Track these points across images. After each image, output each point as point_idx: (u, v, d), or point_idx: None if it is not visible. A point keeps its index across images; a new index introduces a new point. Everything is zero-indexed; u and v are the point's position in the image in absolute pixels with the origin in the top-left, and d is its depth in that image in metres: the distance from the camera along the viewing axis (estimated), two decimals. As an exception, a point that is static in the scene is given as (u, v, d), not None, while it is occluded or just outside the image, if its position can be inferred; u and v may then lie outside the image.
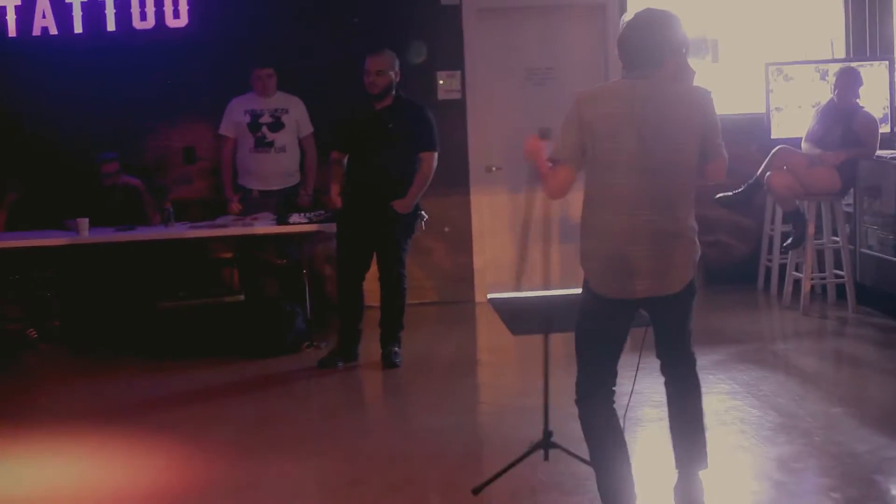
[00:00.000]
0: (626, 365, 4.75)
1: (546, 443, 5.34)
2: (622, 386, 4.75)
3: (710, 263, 10.38)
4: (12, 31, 9.71)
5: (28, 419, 6.92)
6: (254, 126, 9.15)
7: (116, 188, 9.36)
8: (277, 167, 9.25)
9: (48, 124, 9.85)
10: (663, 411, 5.85)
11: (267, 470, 5.67)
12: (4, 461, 6.09)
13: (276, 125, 9.17)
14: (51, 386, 7.94)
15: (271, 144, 9.17)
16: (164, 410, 7.05)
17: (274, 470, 5.66)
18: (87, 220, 8.48)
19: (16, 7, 9.67)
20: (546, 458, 5.33)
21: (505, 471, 5.22)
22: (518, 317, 5.57)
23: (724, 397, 6.71)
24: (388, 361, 7.55)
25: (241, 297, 8.81)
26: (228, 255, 9.37)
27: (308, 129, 9.29)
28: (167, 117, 10.11)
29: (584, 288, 5.06)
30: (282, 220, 8.36)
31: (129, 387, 7.73)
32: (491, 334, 9.24)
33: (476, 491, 5.10)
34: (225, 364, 8.07)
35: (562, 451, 5.31)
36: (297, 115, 9.25)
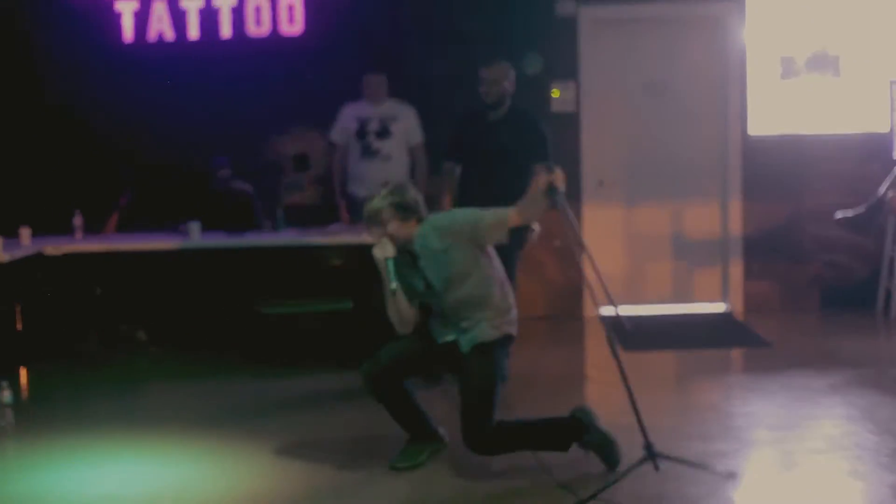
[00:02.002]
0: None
1: (651, 454, 5.32)
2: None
3: (827, 285, 10.16)
4: (129, 36, 9.85)
5: (136, 420, 6.96)
6: (361, 133, 9.14)
7: (228, 193, 9.41)
8: (384, 175, 9.18)
9: (162, 129, 9.96)
10: (779, 434, 5.73)
11: (371, 478, 5.63)
12: (112, 462, 6.11)
13: (384, 133, 9.14)
14: (159, 388, 8.00)
15: (377, 152, 9.14)
16: (269, 415, 7.05)
17: (378, 478, 5.61)
18: (198, 224, 8.52)
19: (133, 13, 9.80)
20: (657, 468, 5.31)
21: (607, 486, 5.14)
22: (629, 333, 5.46)
23: (840, 422, 6.52)
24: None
25: (350, 306, 8.79)
26: (338, 262, 9.36)
27: (418, 137, 9.24)
28: (280, 124, 10.17)
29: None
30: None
31: (236, 391, 7.77)
32: (600, 350, 9.12)
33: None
34: (332, 372, 8.06)
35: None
36: (406, 124, 9.20)
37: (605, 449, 5.63)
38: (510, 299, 5.81)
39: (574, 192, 10.22)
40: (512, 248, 7.63)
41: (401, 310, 5.65)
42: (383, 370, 5.67)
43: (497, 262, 5.80)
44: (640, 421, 5.41)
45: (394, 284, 5.56)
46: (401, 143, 9.18)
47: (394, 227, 5.61)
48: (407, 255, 5.67)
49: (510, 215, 5.64)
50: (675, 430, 5.79)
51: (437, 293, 5.65)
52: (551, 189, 5.58)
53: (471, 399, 5.48)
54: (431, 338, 5.78)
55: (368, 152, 9.13)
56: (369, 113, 9.15)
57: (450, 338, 5.72)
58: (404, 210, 5.64)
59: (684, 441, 5.99)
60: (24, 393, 7.83)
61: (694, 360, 8.56)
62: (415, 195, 5.75)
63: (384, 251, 5.58)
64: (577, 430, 5.64)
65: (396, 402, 5.74)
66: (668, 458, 5.40)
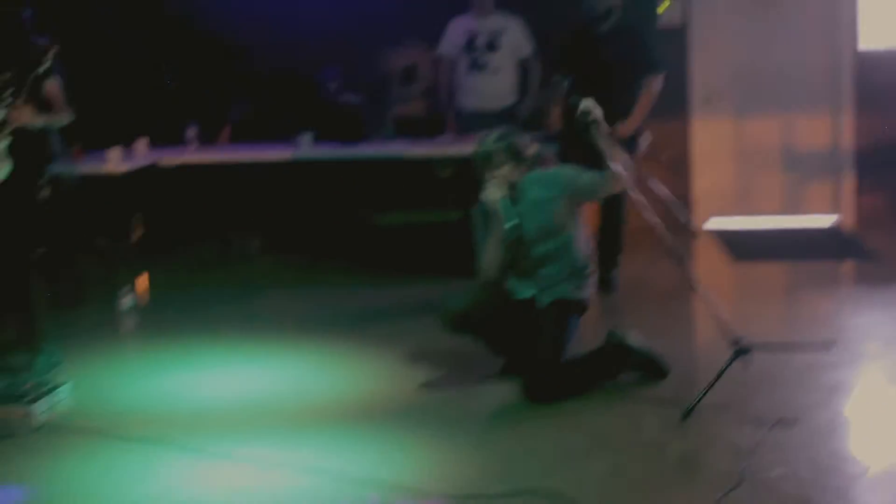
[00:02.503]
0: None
1: (741, 350, 5.29)
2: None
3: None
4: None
5: (253, 326, 7.16)
6: (470, 46, 9.16)
7: (338, 105, 9.51)
8: (491, 89, 9.24)
9: (273, 41, 10.05)
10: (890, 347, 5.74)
11: (477, 388, 5.74)
12: (230, 365, 6.31)
13: (492, 46, 9.14)
14: (273, 296, 8.19)
15: (486, 65, 9.16)
16: (383, 322, 7.22)
17: (485, 387, 5.72)
18: (310, 135, 8.63)
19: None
20: (748, 360, 5.31)
21: (709, 388, 5.17)
22: (737, 244, 5.45)
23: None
24: (606, 285, 7.53)
25: (457, 216, 8.87)
26: (446, 174, 9.43)
27: (528, 49, 9.24)
28: (390, 36, 10.22)
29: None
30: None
31: (347, 299, 7.94)
32: (709, 261, 9.15)
33: (685, 416, 5.05)
34: (438, 281, 8.18)
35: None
36: (514, 36, 9.20)
37: (651, 364, 5.68)
38: (591, 263, 5.84)
39: (682, 107, 10.20)
40: (623, 157, 7.67)
41: (497, 253, 5.69)
42: (459, 318, 5.71)
43: (585, 227, 5.81)
44: (722, 322, 5.40)
45: (515, 220, 5.59)
46: (509, 55, 9.18)
47: (506, 170, 5.65)
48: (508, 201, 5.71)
49: (609, 178, 5.63)
50: (783, 340, 5.80)
51: (528, 243, 5.68)
52: (584, 116, 5.58)
53: (545, 352, 5.50)
54: (507, 294, 5.81)
55: (477, 66, 9.15)
56: (477, 26, 9.16)
57: (527, 293, 5.78)
58: (516, 154, 5.69)
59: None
60: (145, 299, 8.06)
61: (804, 272, 8.55)
62: (527, 140, 5.79)
63: (495, 192, 5.62)
64: (620, 355, 5.68)
65: (478, 335, 5.81)
66: (757, 348, 5.34)
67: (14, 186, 5.82)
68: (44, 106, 5.88)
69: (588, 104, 5.71)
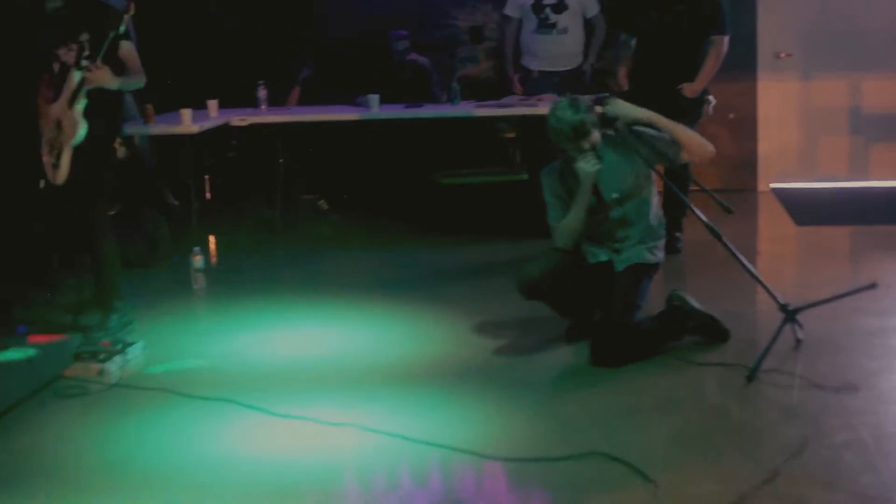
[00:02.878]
0: None
1: (789, 315, 5.38)
2: None
3: None
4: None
5: (321, 285, 7.26)
6: (537, 7, 9.16)
7: (406, 66, 9.55)
8: (560, 49, 9.25)
9: (342, 3, 10.12)
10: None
11: (543, 349, 5.79)
12: (298, 325, 6.40)
13: (560, 6, 9.14)
14: (341, 255, 8.27)
15: (554, 26, 9.16)
16: (447, 283, 7.30)
17: (550, 349, 5.78)
18: (377, 96, 8.69)
19: None
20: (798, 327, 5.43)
21: (765, 353, 5.18)
22: (803, 207, 5.43)
23: None
24: (671, 247, 7.51)
25: (525, 177, 8.92)
26: (512, 134, 9.48)
27: (595, 8, 9.23)
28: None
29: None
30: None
31: (414, 259, 8.02)
32: (773, 224, 9.12)
33: (750, 377, 5.08)
34: (505, 242, 8.23)
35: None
36: None
37: (710, 327, 5.70)
38: (663, 227, 5.85)
39: (750, 64, 10.14)
40: (689, 118, 7.65)
41: (581, 223, 5.67)
42: (535, 283, 5.70)
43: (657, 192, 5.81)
44: (766, 287, 5.45)
45: (615, 195, 5.63)
46: (577, 15, 9.18)
47: (595, 136, 5.62)
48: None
49: (682, 137, 5.68)
50: (846, 304, 5.80)
51: (605, 206, 5.68)
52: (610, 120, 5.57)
53: (618, 315, 5.53)
54: (582, 258, 5.82)
55: (545, 25, 9.16)
56: None
57: (603, 257, 5.79)
58: (600, 119, 5.67)
59: (858, 316, 6.01)
60: (214, 259, 8.18)
61: (868, 236, 8.50)
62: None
63: (592, 164, 5.58)
64: (681, 318, 5.69)
65: (551, 300, 5.84)
66: (804, 308, 5.46)
67: (91, 147, 5.92)
68: (119, 68, 5.97)
69: (615, 108, 5.66)
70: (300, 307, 6.75)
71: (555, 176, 5.78)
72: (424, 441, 4.52)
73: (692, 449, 4.42)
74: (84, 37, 5.80)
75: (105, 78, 5.82)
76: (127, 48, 6.02)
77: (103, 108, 5.96)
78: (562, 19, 9.15)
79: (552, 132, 5.60)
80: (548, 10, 9.13)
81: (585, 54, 9.34)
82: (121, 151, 6.17)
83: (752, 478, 4.06)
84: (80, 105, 5.83)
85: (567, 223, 5.70)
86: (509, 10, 9.37)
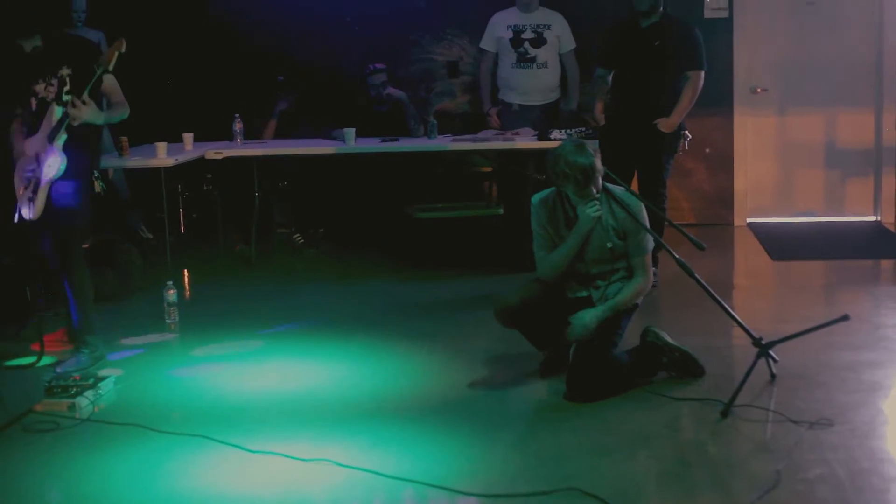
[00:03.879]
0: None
1: (763, 349, 5.44)
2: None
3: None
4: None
5: (294, 319, 7.21)
6: (516, 41, 9.19)
7: (382, 100, 9.56)
8: (539, 83, 9.28)
9: (316, 37, 10.15)
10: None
11: (521, 383, 5.78)
12: (270, 359, 6.36)
13: (538, 41, 9.18)
14: (315, 289, 8.23)
15: (533, 60, 9.19)
16: (422, 317, 7.25)
17: (528, 383, 5.75)
18: (353, 130, 8.68)
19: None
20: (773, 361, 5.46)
21: (739, 388, 5.19)
22: (778, 241, 5.44)
23: None
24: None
25: (500, 211, 8.92)
26: (488, 168, 9.49)
27: (571, 44, 9.27)
28: (432, 31, 10.27)
29: None
30: (543, 136, 8.37)
31: (389, 292, 7.99)
32: (749, 258, 9.14)
33: (724, 412, 5.07)
34: (480, 276, 8.22)
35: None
36: (558, 31, 9.23)
37: (685, 362, 5.68)
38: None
39: (726, 99, 10.19)
40: (664, 154, 7.69)
41: (569, 262, 5.67)
42: (514, 310, 5.72)
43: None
44: (739, 322, 5.48)
45: (612, 244, 5.62)
46: (554, 50, 9.22)
47: (599, 182, 5.59)
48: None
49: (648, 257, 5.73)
50: (820, 339, 5.81)
51: (591, 259, 5.69)
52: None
53: (594, 350, 5.50)
54: (559, 290, 5.79)
55: (524, 60, 9.18)
56: (522, 21, 9.19)
57: (582, 294, 5.78)
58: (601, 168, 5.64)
59: (833, 350, 6.02)
60: (188, 293, 8.15)
61: (843, 270, 8.52)
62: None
63: (595, 210, 5.56)
64: (655, 353, 5.68)
65: (527, 329, 5.84)
66: (777, 342, 5.48)
67: (68, 181, 5.89)
68: (100, 101, 5.95)
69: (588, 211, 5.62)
70: (274, 341, 6.71)
71: (545, 206, 5.76)
72: (398, 476, 4.49)
73: (666, 484, 4.41)
74: (65, 71, 5.78)
75: (91, 114, 5.79)
76: (109, 81, 6.00)
77: (83, 142, 5.94)
78: (541, 53, 9.18)
79: (560, 176, 5.53)
80: (526, 45, 9.16)
81: (563, 90, 9.37)
82: (97, 186, 6.12)
83: (725, 513, 4.05)
84: (60, 140, 5.81)
85: (554, 259, 5.69)
86: (485, 45, 9.40)
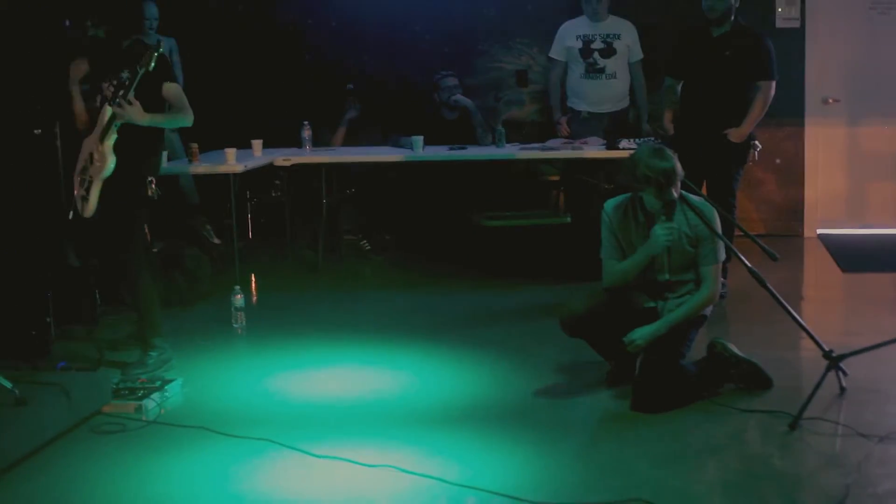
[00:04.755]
0: None
1: (833, 362, 5.37)
2: None
3: None
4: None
5: (360, 326, 7.23)
6: (585, 51, 9.16)
7: (451, 108, 9.56)
8: (608, 92, 9.25)
9: (385, 45, 10.19)
10: None
11: (584, 393, 5.74)
12: (336, 365, 6.37)
13: (608, 51, 9.15)
14: (382, 296, 8.24)
15: (602, 70, 9.17)
16: (488, 325, 7.24)
17: (591, 393, 5.72)
18: (421, 137, 8.69)
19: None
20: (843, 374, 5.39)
21: (808, 400, 5.13)
22: (849, 253, 5.38)
23: None
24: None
25: (568, 220, 8.89)
26: (556, 177, 9.47)
27: (639, 54, 9.23)
28: (501, 40, 10.27)
29: None
30: (611, 145, 8.33)
31: (457, 300, 7.98)
32: (819, 270, 9.05)
33: (793, 425, 5.01)
34: (547, 286, 8.19)
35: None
36: (628, 41, 9.19)
37: (753, 374, 5.62)
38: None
39: (798, 109, 10.09)
40: (733, 164, 7.62)
41: (639, 271, 5.65)
42: (579, 319, 5.69)
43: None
44: (809, 333, 5.42)
45: (686, 252, 5.60)
46: (624, 59, 9.18)
47: (678, 187, 5.56)
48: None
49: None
50: (892, 352, 5.72)
51: (657, 269, 5.66)
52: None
53: (661, 361, 5.45)
54: (629, 299, 5.74)
55: (594, 70, 9.16)
56: (592, 30, 9.15)
57: (650, 304, 5.73)
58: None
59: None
60: (255, 298, 8.19)
61: (916, 283, 8.42)
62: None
63: (668, 234, 5.51)
64: (723, 365, 5.63)
65: (593, 338, 5.81)
66: (848, 355, 5.42)
67: (120, 183, 5.93)
68: (157, 105, 6.00)
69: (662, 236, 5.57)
70: (340, 347, 6.72)
71: (617, 212, 5.73)
72: (462, 484, 4.48)
73: (733, 496, 4.37)
74: (125, 74, 5.83)
75: (134, 114, 5.82)
76: (171, 88, 6.04)
77: (135, 144, 5.93)
78: (610, 64, 9.15)
79: (640, 179, 5.50)
80: (596, 55, 9.13)
81: (632, 100, 9.33)
82: (152, 190, 6.11)
83: (793, 527, 4.01)
84: (111, 140, 5.84)
85: (621, 270, 5.67)
86: (555, 54, 9.38)
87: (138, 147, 5.97)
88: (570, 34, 9.26)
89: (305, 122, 8.99)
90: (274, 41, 10.26)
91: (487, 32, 10.29)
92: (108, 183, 5.90)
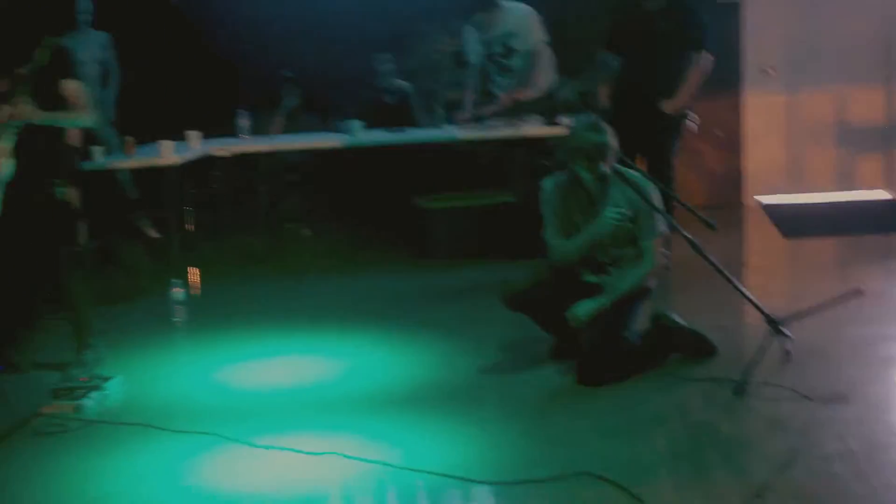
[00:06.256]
0: None
1: (776, 327, 5.35)
2: None
3: None
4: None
5: (306, 312, 7.18)
6: (489, 57, 8.82)
7: (388, 91, 9.50)
8: (527, 84, 9.03)
9: (323, 30, 10.11)
10: None
11: (530, 370, 5.71)
12: (285, 352, 6.32)
13: (508, 53, 8.84)
14: (325, 281, 8.19)
15: (509, 69, 8.83)
16: (432, 306, 7.23)
17: (538, 371, 5.69)
18: (360, 122, 8.63)
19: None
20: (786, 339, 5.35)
21: (753, 366, 5.15)
22: (789, 220, 5.41)
23: None
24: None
25: (509, 199, 8.86)
26: (496, 156, 9.42)
27: (534, 37, 8.78)
28: (439, 22, 10.19)
29: None
30: (550, 122, 8.29)
31: (398, 283, 7.96)
32: (760, 237, 9.09)
33: (737, 391, 5.02)
34: (490, 265, 8.16)
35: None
36: (523, 32, 8.78)
37: (697, 343, 5.66)
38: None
39: (735, 81, 10.13)
40: (670, 136, 7.62)
41: (585, 249, 5.66)
42: (521, 295, 5.72)
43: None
44: (751, 300, 5.42)
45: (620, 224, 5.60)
46: (528, 53, 8.81)
47: (612, 161, 5.59)
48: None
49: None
50: (834, 314, 5.75)
51: (601, 245, 5.66)
52: None
53: (602, 336, 5.46)
54: (571, 274, 5.74)
55: (504, 70, 8.86)
56: (489, 35, 8.85)
57: (592, 279, 5.73)
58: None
59: (846, 326, 5.96)
60: (196, 290, 8.09)
61: (856, 247, 8.46)
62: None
63: (615, 216, 5.56)
64: (667, 336, 5.65)
65: (535, 313, 5.79)
66: (790, 319, 5.42)
67: (25, 185, 5.72)
68: (57, 103, 5.80)
69: None
70: (283, 335, 6.67)
71: (557, 190, 5.74)
72: (409, 467, 4.45)
73: (680, 465, 4.36)
74: (22, 69, 5.65)
75: (26, 112, 5.64)
76: (70, 86, 5.83)
77: (35, 144, 5.74)
78: (515, 62, 8.86)
79: (572, 152, 5.57)
80: (499, 59, 8.85)
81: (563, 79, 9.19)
82: (62, 192, 5.89)
83: (741, 493, 4.00)
84: (6, 141, 5.64)
85: (567, 250, 5.68)
86: (469, 57, 9.07)
87: (37, 147, 5.76)
88: (472, 39, 8.99)
89: (243, 111, 8.90)
90: (209, 30, 10.14)
91: (425, 14, 10.21)
92: (10, 187, 5.71)
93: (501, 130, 8.54)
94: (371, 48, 9.80)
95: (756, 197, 10.29)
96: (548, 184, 5.77)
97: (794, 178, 10.33)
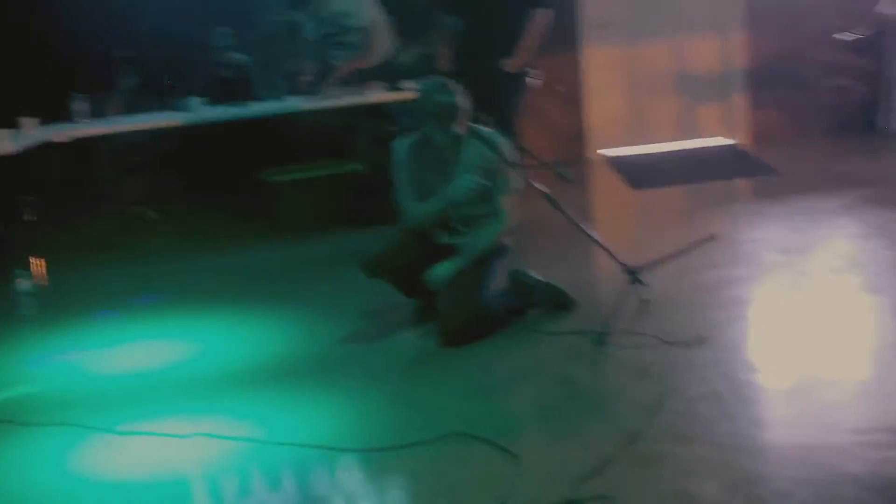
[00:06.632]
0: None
1: (632, 276, 5.49)
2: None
3: (833, 110, 10.16)
4: None
5: (155, 297, 7.00)
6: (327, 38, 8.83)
7: (227, 65, 9.34)
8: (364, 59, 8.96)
9: (156, 6, 9.88)
10: (794, 256, 5.81)
11: (395, 330, 5.72)
12: (138, 334, 6.17)
13: (341, 33, 8.78)
14: (174, 262, 8.04)
15: (343, 45, 8.77)
16: (288, 280, 7.15)
17: (393, 341, 5.68)
18: (198, 98, 8.47)
19: None
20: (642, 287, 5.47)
21: (612, 316, 5.24)
22: (635, 171, 5.50)
23: (856, 240, 6.58)
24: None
25: (358, 167, 8.79)
26: (341, 125, 9.34)
27: (360, 16, 8.80)
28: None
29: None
30: (393, 88, 8.25)
31: (250, 260, 7.87)
32: (608, 190, 9.18)
33: (598, 341, 5.06)
34: (346, 234, 8.10)
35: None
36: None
37: (555, 298, 5.71)
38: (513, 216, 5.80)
39: (573, 35, 10.19)
40: (511, 95, 7.64)
41: (441, 214, 5.66)
42: (377, 261, 5.72)
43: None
44: (606, 250, 5.54)
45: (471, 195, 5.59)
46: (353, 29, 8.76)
47: (464, 123, 5.60)
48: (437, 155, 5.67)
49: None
50: (686, 261, 5.85)
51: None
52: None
53: (459, 296, 5.46)
54: (426, 238, 5.76)
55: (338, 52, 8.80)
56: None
57: (447, 240, 5.74)
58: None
59: (699, 271, 6.05)
60: (41, 281, 7.87)
61: (701, 193, 8.61)
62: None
63: (471, 183, 5.56)
64: (525, 292, 5.69)
65: (393, 278, 5.78)
66: (645, 267, 5.55)
67: None
68: None
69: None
70: (138, 320, 6.52)
71: (409, 151, 5.71)
72: (276, 442, 4.39)
73: (551, 418, 4.38)
74: None
75: None
76: None
77: None
78: (351, 36, 8.77)
79: (423, 114, 5.60)
80: (334, 36, 8.76)
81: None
82: None
83: (613, 440, 4.03)
84: None
85: (422, 214, 5.67)
86: (307, 35, 8.98)
87: None
88: (306, 19, 8.90)
89: (78, 95, 8.65)
90: (39, 11, 9.83)
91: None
92: None
93: (344, 99, 8.46)
94: (209, 22, 9.62)
95: (600, 151, 10.40)
96: (399, 147, 5.74)
97: (637, 130, 10.46)
